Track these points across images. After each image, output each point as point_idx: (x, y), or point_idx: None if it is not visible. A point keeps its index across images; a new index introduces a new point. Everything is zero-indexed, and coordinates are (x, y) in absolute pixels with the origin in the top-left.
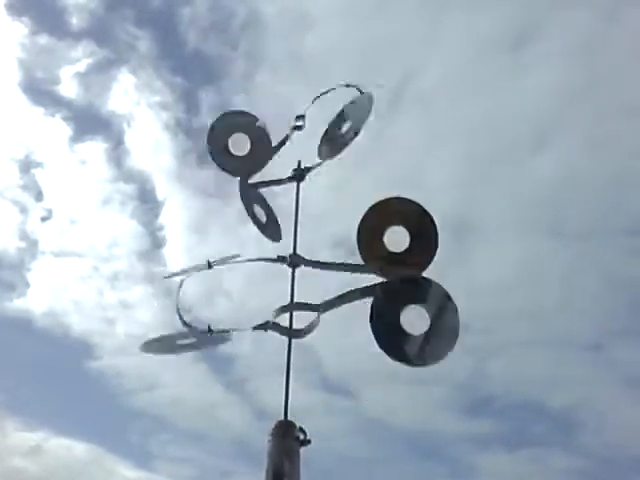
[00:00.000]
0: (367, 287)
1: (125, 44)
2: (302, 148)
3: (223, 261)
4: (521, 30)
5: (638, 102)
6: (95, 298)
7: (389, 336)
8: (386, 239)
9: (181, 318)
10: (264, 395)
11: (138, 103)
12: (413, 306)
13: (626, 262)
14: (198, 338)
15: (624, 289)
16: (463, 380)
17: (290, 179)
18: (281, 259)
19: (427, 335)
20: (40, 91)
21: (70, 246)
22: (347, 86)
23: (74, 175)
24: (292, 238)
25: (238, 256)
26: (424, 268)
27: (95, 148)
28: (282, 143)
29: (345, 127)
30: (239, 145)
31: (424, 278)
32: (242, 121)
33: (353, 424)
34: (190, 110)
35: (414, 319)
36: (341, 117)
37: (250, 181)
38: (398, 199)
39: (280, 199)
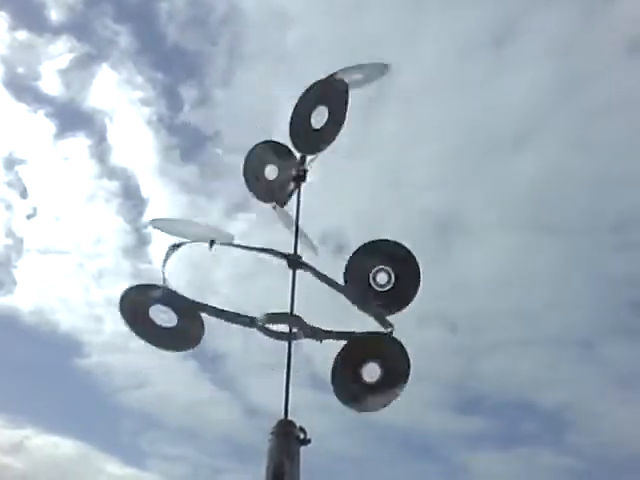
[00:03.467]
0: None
1: (105, 39)
2: None
3: (227, 240)
4: (503, 28)
5: (620, 100)
6: (82, 295)
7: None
8: None
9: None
10: (254, 393)
11: (119, 99)
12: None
13: (613, 259)
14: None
15: (613, 286)
16: (454, 379)
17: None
18: (284, 256)
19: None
20: (22, 87)
21: (55, 243)
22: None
23: (58, 172)
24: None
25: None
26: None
27: (78, 144)
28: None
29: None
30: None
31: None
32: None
33: (344, 422)
34: (172, 106)
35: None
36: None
37: None
38: None
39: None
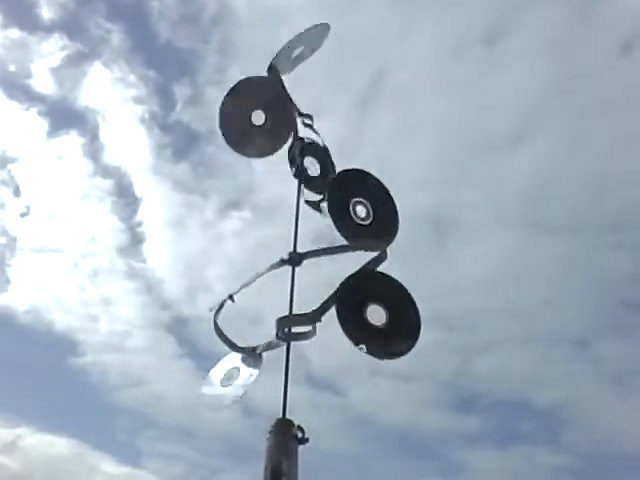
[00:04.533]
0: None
1: (97, 38)
2: None
3: (242, 287)
4: (496, 26)
5: (614, 98)
6: (76, 294)
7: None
8: None
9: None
10: (251, 392)
11: (112, 97)
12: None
13: (610, 257)
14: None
15: (608, 285)
16: (449, 378)
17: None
18: (285, 262)
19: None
20: (14, 85)
21: (49, 242)
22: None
23: (51, 170)
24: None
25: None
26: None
27: (71, 143)
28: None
29: (299, 50)
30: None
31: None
32: None
33: (340, 421)
34: (164, 104)
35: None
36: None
37: None
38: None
39: (280, 197)
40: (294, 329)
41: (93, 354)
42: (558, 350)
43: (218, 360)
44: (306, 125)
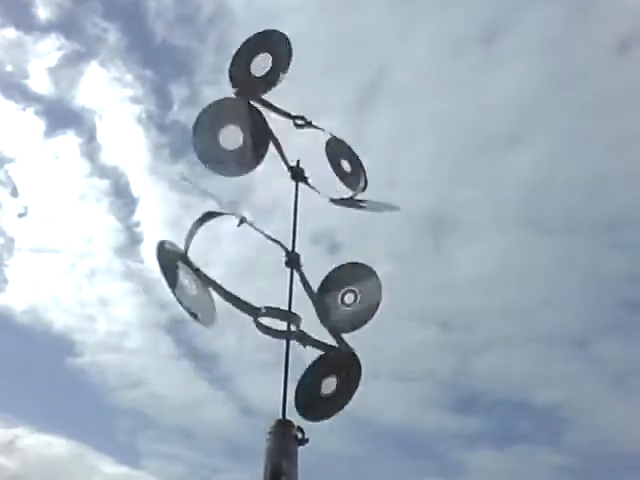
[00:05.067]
0: None
1: (94, 37)
2: (302, 147)
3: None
4: (494, 26)
5: (612, 98)
6: (74, 294)
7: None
8: None
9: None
10: (249, 392)
11: (109, 97)
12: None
13: (608, 257)
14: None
15: (607, 285)
16: (448, 377)
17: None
18: (287, 252)
19: None
20: (10, 85)
21: (47, 242)
22: None
23: (49, 170)
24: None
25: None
26: None
27: (68, 143)
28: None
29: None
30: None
31: None
32: None
33: (338, 421)
34: (161, 104)
35: None
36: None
37: None
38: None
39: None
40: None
41: (91, 354)
42: (557, 350)
43: None
44: (299, 126)
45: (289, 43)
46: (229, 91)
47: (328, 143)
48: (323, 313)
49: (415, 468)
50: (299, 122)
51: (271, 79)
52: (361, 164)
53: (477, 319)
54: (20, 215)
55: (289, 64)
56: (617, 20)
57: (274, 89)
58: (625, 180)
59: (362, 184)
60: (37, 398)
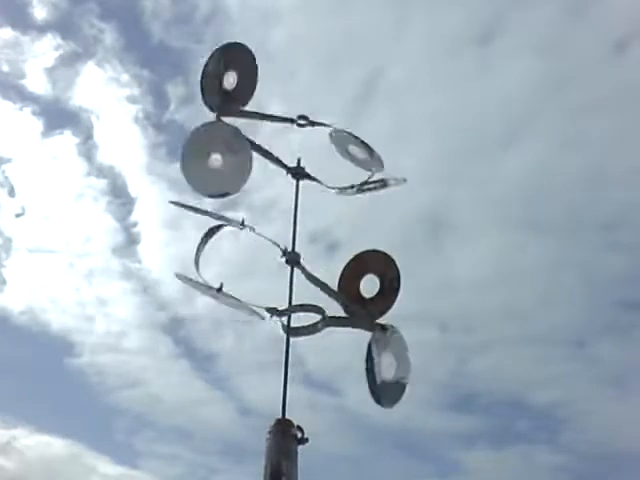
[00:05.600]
0: None
1: (90, 37)
2: (301, 147)
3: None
4: (489, 25)
5: (608, 98)
6: (72, 295)
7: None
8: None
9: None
10: (247, 392)
11: (106, 97)
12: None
13: (605, 257)
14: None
15: (603, 285)
16: (446, 378)
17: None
18: (284, 252)
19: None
20: (7, 85)
21: (45, 242)
22: None
23: (46, 170)
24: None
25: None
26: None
27: (66, 143)
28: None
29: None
30: None
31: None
32: None
33: (337, 421)
34: (158, 103)
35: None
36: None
37: None
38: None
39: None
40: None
41: (90, 355)
42: (555, 350)
43: None
44: (301, 125)
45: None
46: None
47: (331, 134)
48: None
49: (413, 468)
50: (301, 122)
51: (243, 93)
52: (369, 146)
53: (475, 319)
54: (17, 215)
55: (256, 81)
56: (613, 20)
57: (258, 96)
58: (622, 180)
59: (378, 161)
60: (35, 399)
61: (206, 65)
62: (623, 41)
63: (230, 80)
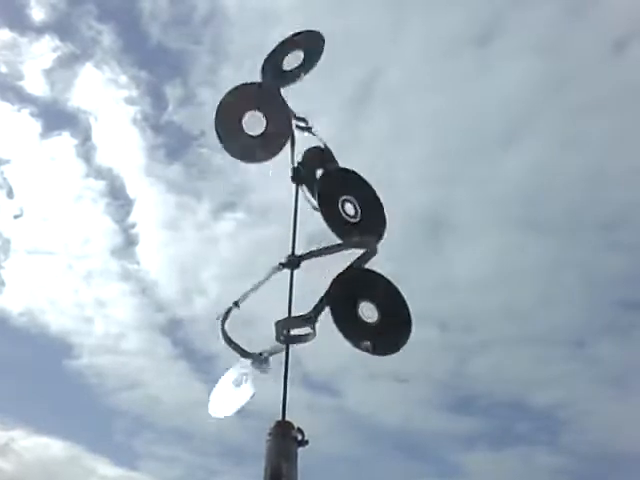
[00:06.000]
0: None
1: (88, 39)
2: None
3: (245, 296)
4: (488, 25)
5: (607, 98)
6: (71, 296)
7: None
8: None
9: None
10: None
11: (104, 98)
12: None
13: (604, 257)
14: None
15: (603, 285)
16: (446, 378)
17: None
18: (284, 265)
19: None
20: (5, 87)
21: (43, 244)
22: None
23: (45, 171)
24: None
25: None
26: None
27: (64, 144)
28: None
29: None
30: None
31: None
32: None
33: (337, 422)
34: (156, 105)
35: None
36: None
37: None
38: None
39: (273, 199)
40: (293, 332)
41: (88, 356)
42: (554, 350)
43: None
44: (300, 128)
45: (323, 45)
46: (227, 90)
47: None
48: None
49: (413, 469)
50: (301, 124)
51: (293, 75)
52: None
53: (475, 319)
54: (16, 216)
55: (313, 66)
56: (612, 20)
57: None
58: (622, 180)
59: None
60: (34, 400)
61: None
62: (622, 41)
63: (292, 60)
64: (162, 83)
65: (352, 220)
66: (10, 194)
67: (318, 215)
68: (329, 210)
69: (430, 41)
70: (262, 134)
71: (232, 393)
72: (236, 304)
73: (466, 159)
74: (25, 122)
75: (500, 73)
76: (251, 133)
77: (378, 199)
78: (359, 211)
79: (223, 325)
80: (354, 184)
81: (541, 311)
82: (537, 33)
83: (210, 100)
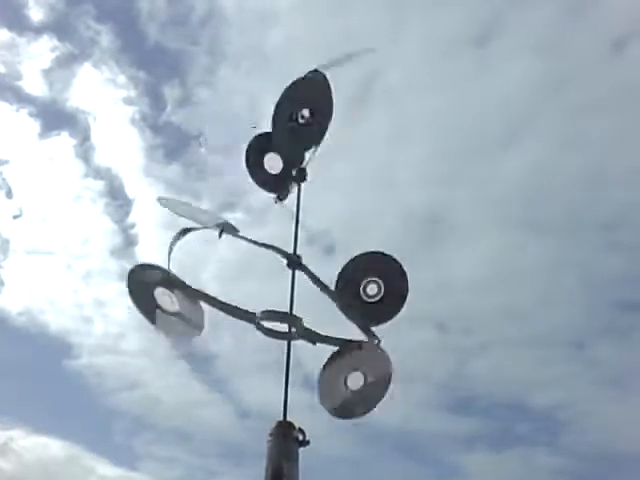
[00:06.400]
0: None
1: (86, 39)
2: None
3: (233, 231)
4: (487, 26)
5: (606, 98)
6: (70, 296)
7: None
8: None
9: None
10: (246, 394)
11: (102, 98)
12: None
13: (604, 258)
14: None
15: (603, 286)
16: (445, 380)
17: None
18: (285, 255)
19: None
20: (4, 87)
21: (42, 244)
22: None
23: (43, 172)
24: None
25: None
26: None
27: (63, 144)
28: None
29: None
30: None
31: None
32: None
33: (335, 424)
34: (155, 105)
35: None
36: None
37: None
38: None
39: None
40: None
41: (88, 356)
42: (554, 351)
43: None
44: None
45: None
46: (225, 90)
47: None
48: (345, 307)
49: (412, 471)
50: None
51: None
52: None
53: (474, 321)
54: (15, 217)
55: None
56: (611, 20)
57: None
58: (622, 180)
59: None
60: (33, 400)
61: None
62: (621, 40)
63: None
64: (160, 83)
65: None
66: (9, 194)
67: (316, 215)
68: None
69: (429, 41)
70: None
71: None
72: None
73: (466, 159)
74: (24, 122)
75: (499, 73)
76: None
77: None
78: (382, 291)
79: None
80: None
81: (541, 312)
82: (536, 33)
83: (208, 100)
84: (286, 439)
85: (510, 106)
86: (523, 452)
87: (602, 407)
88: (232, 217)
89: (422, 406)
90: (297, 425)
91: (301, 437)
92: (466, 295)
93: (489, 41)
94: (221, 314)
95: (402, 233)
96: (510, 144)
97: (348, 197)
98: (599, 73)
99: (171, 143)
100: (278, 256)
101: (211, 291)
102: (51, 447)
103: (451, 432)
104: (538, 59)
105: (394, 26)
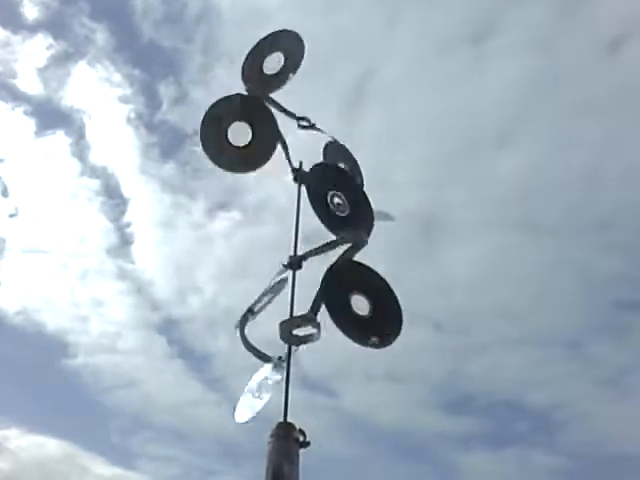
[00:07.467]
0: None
1: (82, 37)
2: (302, 149)
3: (257, 302)
4: (482, 24)
5: (601, 98)
6: (67, 295)
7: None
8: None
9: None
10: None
11: (98, 97)
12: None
13: (600, 258)
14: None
15: (599, 286)
16: (442, 379)
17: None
18: (287, 266)
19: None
20: None
21: (39, 243)
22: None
23: (39, 170)
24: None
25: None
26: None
27: (58, 143)
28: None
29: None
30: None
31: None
32: None
33: (334, 423)
34: (150, 103)
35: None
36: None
37: None
38: None
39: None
40: (297, 332)
41: (84, 355)
42: (550, 351)
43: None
44: (303, 127)
45: (302, 43)
46: (219, 88)
47: (327, 146)
48: None
49: (410, 470)
50: (303, 123)
51: (281, 79)
52: (359, 169)
53: (471, 320)
54: (11, 215)
55: (299, 65)
56: (606, 20)
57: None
58: (616, 180)
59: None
60: (29, 399)
61: (257, 46)
62: (617, 40)
63: (273, 63)
64: (155, 82)
65: (341, 214)
66: (5, 193)
67: (313, 215)
68: (319, 206)
69: (424, 39)
70: (248, 145)
71: (253, 398)
72: (251, 311)
73: (461, 159)
74: (19, 121)
75: (495, 72)
76: (237, 144)
77: (364, 192)
78: (347, 205)
79: (242, 332)
80: (340, 178)
81: (537, 311)
82: (532, 32)
83: (203, 99)
84: (287, 440)
85: (506, 105)
86: (520, 451)
87: (599, 407)
88: (227, 216)
89: (420, 406)
90: (298, 426)
91: (302, 438)
92: (463, 295)
93: (485, 39)
94: (222, 311)
95: (398, 233)
96: (506, 144)
97: None
98: (595, 73)
99: (167, 141)
100: (273, 256)
101: (207, 290)
102: (47, 446)
103: (448, 431)
104: (534, 57)
105: (388, 24)
